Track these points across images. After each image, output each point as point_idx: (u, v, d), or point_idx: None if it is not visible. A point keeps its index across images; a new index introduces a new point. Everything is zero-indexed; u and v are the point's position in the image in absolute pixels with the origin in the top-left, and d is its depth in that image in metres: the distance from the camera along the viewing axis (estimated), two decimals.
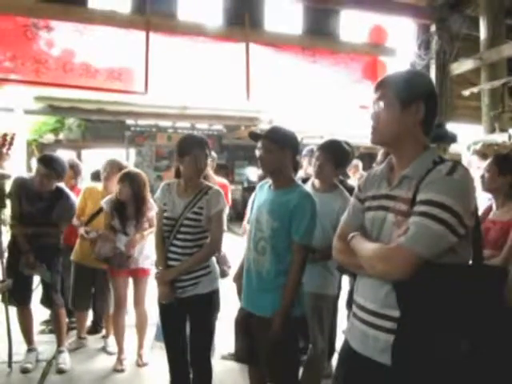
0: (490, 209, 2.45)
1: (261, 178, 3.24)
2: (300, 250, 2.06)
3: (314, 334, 2.64)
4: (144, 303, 3.26)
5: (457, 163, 1.30)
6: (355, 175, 4.91)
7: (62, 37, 4.27)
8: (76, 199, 3.37)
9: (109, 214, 3.16)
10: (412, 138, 1.38)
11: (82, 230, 3.37)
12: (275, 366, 2.12)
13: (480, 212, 2.45)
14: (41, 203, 3.11)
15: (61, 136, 8.50)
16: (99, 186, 3.58)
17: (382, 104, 1.38)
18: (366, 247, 1.33)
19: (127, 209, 3.14)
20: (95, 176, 3.97)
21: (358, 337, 1.43)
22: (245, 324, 2.24)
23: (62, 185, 3.25)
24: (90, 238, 3.30)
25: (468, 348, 1.16)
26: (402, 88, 1.36)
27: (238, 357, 2.41)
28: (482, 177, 2.40)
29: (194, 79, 4.69)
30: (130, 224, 3.16)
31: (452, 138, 2.51)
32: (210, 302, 2.41)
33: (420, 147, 1.38)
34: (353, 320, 1.48)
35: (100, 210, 3.41)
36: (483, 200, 2.51)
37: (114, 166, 3.46)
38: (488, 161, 2.45)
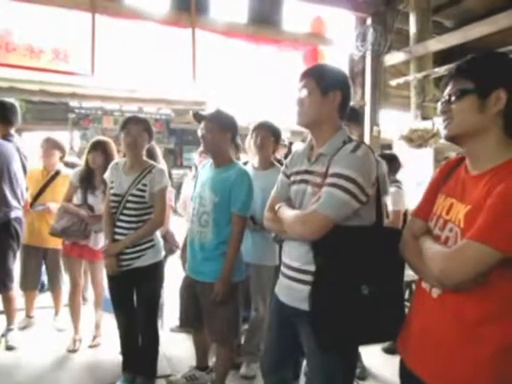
0: None
1: (200, 154, 3.46)
2: (238, 220, 2.29)
3: (257, 301, 2.88)
4: (101, 284, 3.27)
5: (360, 143, 1.57)
6: None
7: (1, 15, 4.14)
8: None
9: (73, 187, 3.13)
10: (330, 122, 1.63)
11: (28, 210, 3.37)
12: (217, 325, 2.35)
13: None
14: None
15: None
16: (38, 166, 3.56)
17: (305, 91, 1.62)
18: (289, 214, 1.58)
19: (95, 178, 3.12)
20: None
21: (284, 291, 1.69)
22: (189, 290, 2.45)
23: None
24: (40, 211, 3.36)
25: (367, 292, 1.44)
26: (322, 79, 1.61)
27: (181, 321, 2.60)
28: None
29: (141, 62, 4.73)
30: (97, 194, 3.12)
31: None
32: (154, 273, 2.55)
33: (335, 129, 1.63)
34: (281, 278, 1.73)
35: (42, 188, 3.45)
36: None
37: (50, 142, 3.49)
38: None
